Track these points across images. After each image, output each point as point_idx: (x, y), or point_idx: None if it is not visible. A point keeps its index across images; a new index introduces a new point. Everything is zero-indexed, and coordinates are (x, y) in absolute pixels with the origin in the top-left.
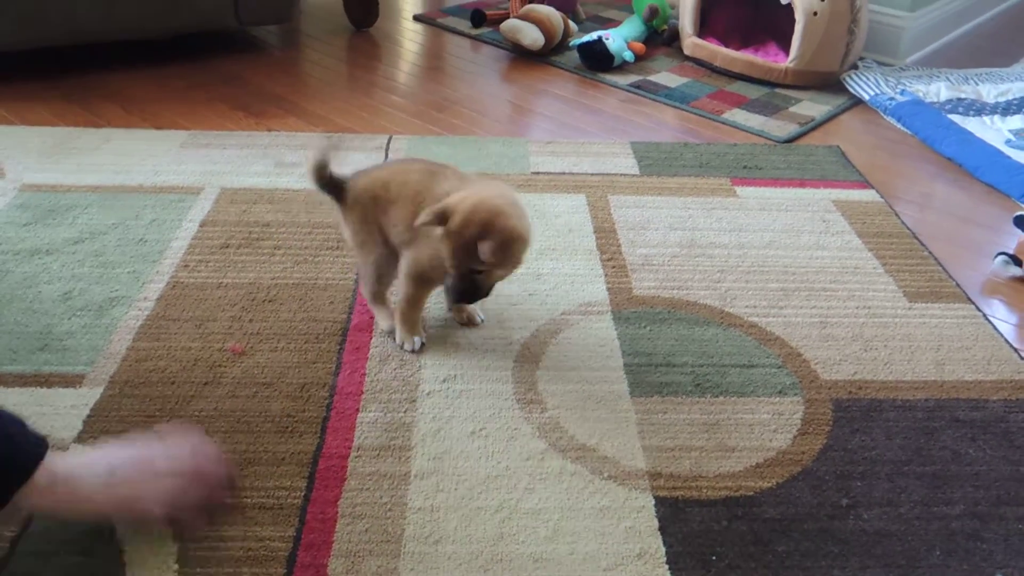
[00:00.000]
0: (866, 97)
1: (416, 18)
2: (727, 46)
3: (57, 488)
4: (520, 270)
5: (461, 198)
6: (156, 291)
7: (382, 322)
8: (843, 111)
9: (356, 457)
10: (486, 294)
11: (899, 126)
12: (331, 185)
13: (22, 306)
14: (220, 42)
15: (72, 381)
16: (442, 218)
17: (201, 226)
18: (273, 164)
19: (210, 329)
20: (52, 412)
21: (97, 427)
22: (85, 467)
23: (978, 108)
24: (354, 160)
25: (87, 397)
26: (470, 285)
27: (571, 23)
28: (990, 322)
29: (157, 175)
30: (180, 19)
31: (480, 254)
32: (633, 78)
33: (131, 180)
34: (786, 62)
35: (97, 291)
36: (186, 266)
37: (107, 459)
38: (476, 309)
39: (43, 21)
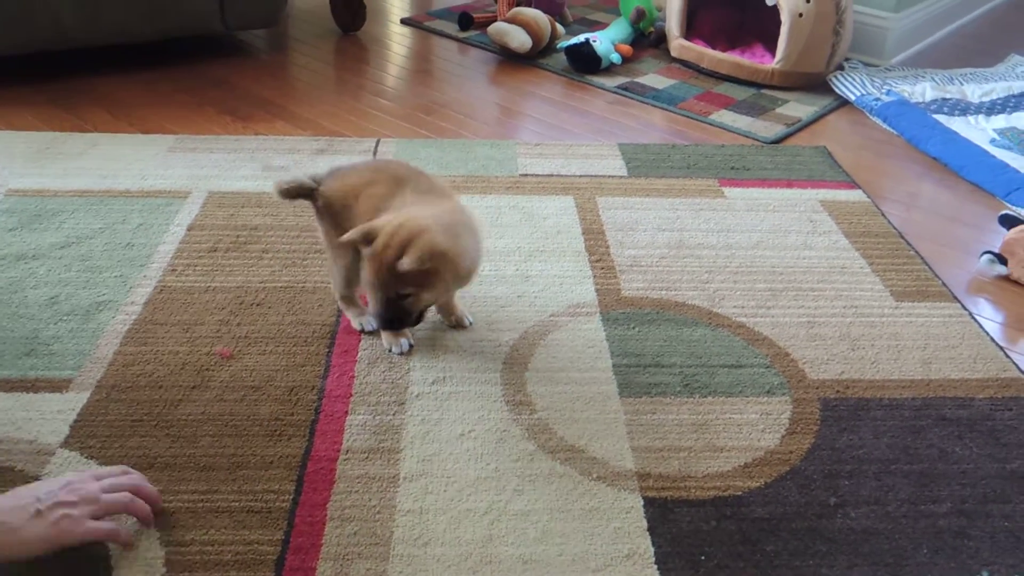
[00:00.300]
0: (852, 98)
1: (403, 21)
2: (714, 48)
3: None
4: (456, 292)
5: (389, 220)
6: (143, 295)
7: (352, 321)
8: (829, 112)
9: (345, 460)
10: (416, 320)
11: (885, 126)
12: (300, 194)
13: (8, 311)
14: (207, 46)
15: (59, 386)
16: (367, 238)
17: (189, 230)
18: (261, 168)
19: (198, 333)
20: (39, 417)
21: (84, 432)
22: (9, 506)
23: (963, 108)
24: (342, 163)
25: (74, 402)
26: (397, 310)
27: (558, 26)
28: (976, 321)
29: (144, 179)
30: (167, 23)
31: (399, 266)
32: (620, 80)
33: (118, 184)
34: (772, 63)
35: (84, 296)
36: (173, 270)
37: (31, 495)
38: (465, 312)
39: (29, 26)
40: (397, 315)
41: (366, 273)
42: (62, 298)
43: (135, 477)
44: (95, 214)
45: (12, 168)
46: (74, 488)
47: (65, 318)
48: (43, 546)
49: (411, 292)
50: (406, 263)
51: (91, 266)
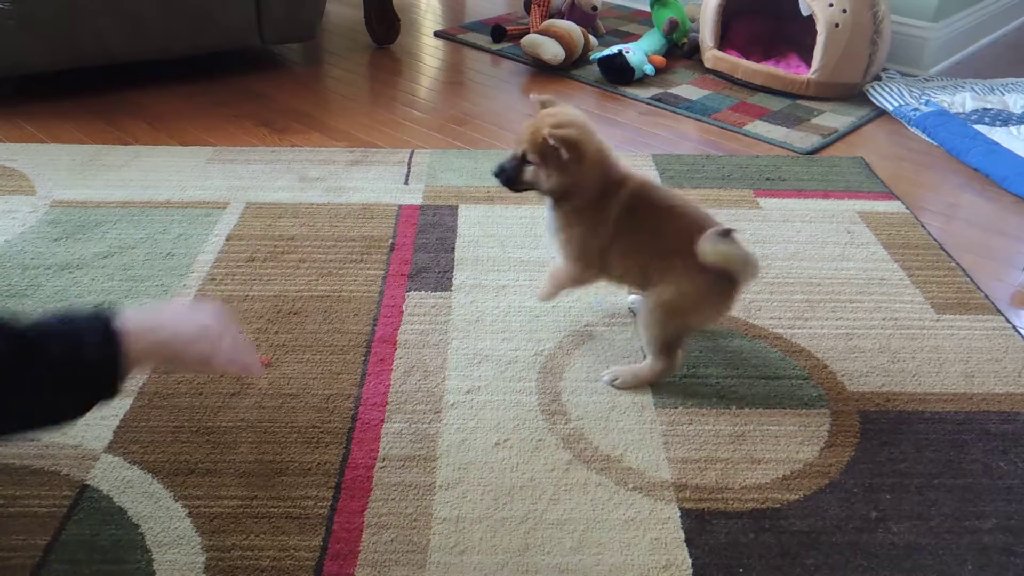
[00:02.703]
0: (890, 108)
1: (437, 34)
2: (748, 58)
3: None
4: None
5: (564, 108)
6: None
7: None
8: (867, 122)
9: (381, 468)
10: (518, 185)
11: (924, 137)
12: None
13: None
14: (244, 60)
15: None
16: (543, 105)
17: (227, 240)
18: (297, 179)
19: None
20: (83, 423)
21: (127, 437)
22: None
23: (1004, 118)
24: (377, 174)
25: (117, 408)
26: (513, 169)
27: (591, 37)
28: (1020, 334)
29: (184, 190)
30: (205, 39)
31: (544, 130)
32: (654, 91)
33: (159, 195)
34: (808, 74)
35: (126, 304)
36: (213, 279)
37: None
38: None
39: (73, 43)
40: (512, 171)
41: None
42: (105, 307)
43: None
44: (137, 224)
45: (57, 180)
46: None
47: None
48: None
49: (533, 162)
50: (547, 131)
51: (133, 275)
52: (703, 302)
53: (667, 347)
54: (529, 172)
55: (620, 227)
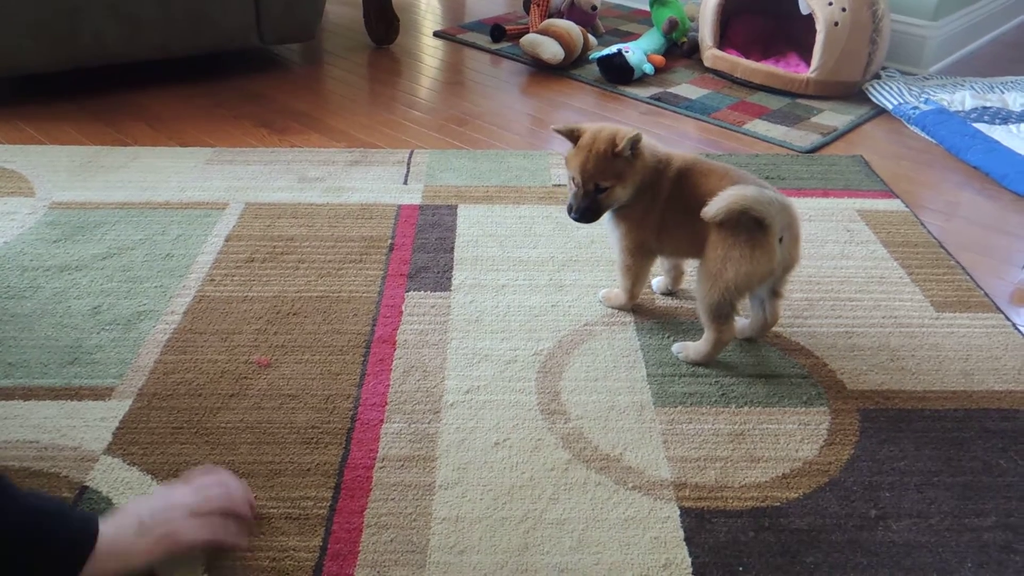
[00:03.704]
0: (889, 106)
1: (436, 34)
2: (747, 57)
3: (98, 559)
4: (627, 191)
5: (592, 125)
6: (183, 305)
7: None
8: (866, 121)
9: (381, 468)
10: (599, 215)
11: (923, 135)
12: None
13: (52, 321)
14: (243, 61)
15: (102, 394)
16: (573, 135)
17: (226, 241)
18: (296, 179)
19: (236, 342)
20: (82, 424)
21: (126, 439)
22: (115, 528)
23: (1004, 116)
24: (376, 174)
25: (116, 409)
26: (591, 203)
27: (590, 37)
28: (1020, 332)
29: (183, 191)
30: (205, 39)
31: (616, 147)
32: (653, 90)
33: (158, 196)
34: (807, 72)
35: (125, 305)
36: (212, 280)
37: (134, 513)
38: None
39: (72, 43)
40: (591, 205)
41: (569, 167)
42: (104, 308)
43: (224, 479)
44: (136, 225)
45: (56, 181)
46: (172, 502)
47: (107, 327)
48: (149, 559)
49: (609, 185)
50: (620, 144)
51: (132, 276)
52: (734, 259)
53: (714, 316)
54: (606, 197)
55: (669, 204)
